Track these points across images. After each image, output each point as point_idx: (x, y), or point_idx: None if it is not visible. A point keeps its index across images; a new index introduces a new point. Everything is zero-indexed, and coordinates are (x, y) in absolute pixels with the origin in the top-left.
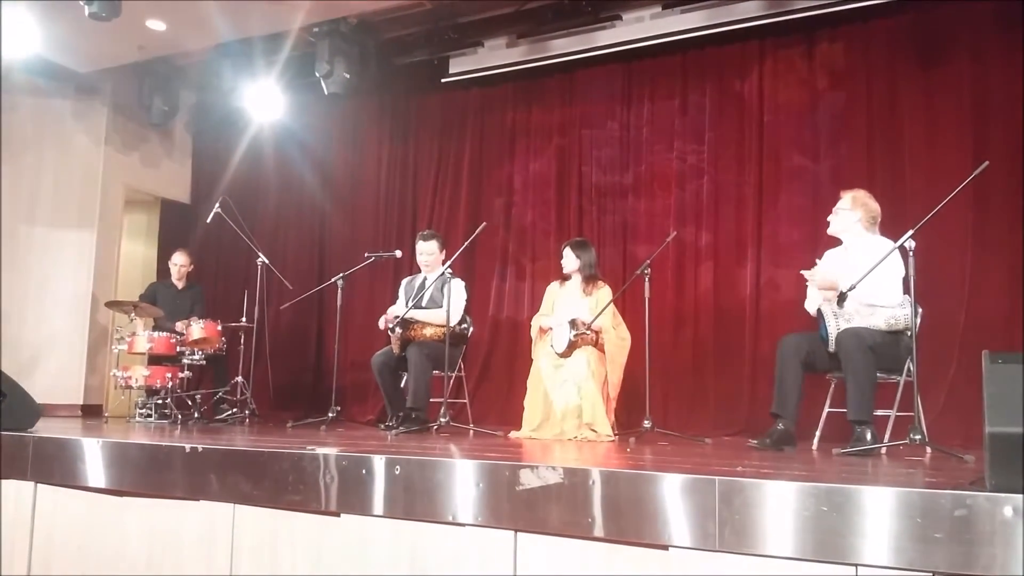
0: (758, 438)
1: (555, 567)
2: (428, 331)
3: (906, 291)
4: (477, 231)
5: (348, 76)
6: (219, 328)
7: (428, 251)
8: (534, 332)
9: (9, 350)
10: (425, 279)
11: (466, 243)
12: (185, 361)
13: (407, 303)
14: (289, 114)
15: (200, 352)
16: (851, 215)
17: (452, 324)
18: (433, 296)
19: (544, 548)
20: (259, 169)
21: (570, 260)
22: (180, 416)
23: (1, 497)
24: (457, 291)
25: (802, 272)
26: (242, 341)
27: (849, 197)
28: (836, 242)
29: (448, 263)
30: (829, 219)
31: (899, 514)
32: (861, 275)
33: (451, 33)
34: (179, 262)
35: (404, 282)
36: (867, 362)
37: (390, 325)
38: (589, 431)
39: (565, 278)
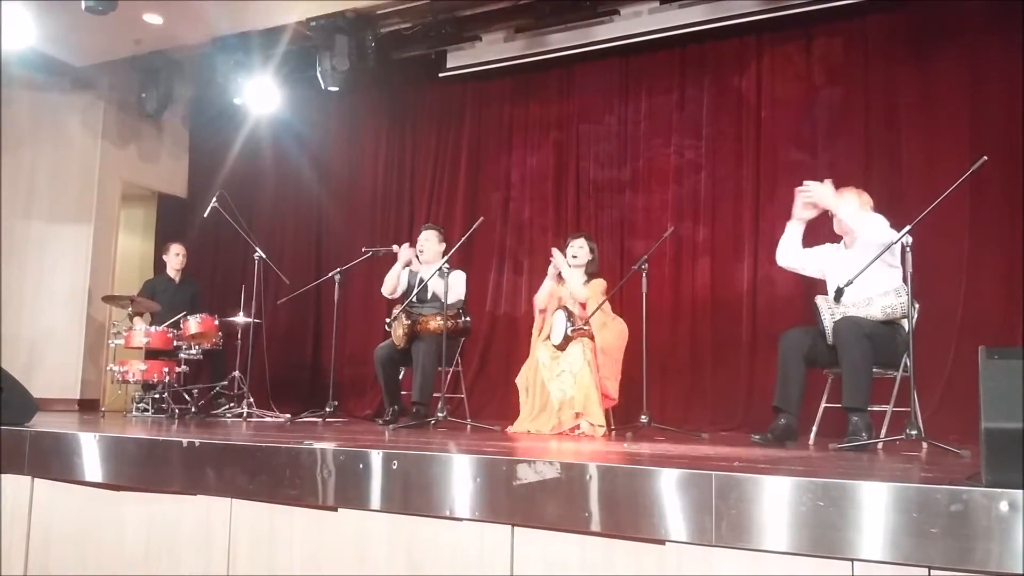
0: (760, 433)
1: (552, 561)
2: (433, 324)
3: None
4: (474, 226)
5: (345, 70)
6: (216, 323)
7: (425, 238)
8: (536, 328)
9: (6, 344)
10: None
11: (463, 237)
12: (182, 356)
13: (407, 293)
14: (286, 108)
15: (197, 347)
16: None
17: (451, 302)
18: (435, 290)
19: (541, 542)
20: (256, 164)
21: (583, 252)
22: (177, 410)
23: None
24: (458, 278)
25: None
26: (239, 336)
27: (853, 196)
28: (831, 235)
29: (446, 257)
30: (836, 220)
31: (895, 509)
32: (857, 271)
33: (449, 27)
34: (178, 253)
35: (408, 270)
36: (863, 349)
37: (388, 320)
38: (585, 422)
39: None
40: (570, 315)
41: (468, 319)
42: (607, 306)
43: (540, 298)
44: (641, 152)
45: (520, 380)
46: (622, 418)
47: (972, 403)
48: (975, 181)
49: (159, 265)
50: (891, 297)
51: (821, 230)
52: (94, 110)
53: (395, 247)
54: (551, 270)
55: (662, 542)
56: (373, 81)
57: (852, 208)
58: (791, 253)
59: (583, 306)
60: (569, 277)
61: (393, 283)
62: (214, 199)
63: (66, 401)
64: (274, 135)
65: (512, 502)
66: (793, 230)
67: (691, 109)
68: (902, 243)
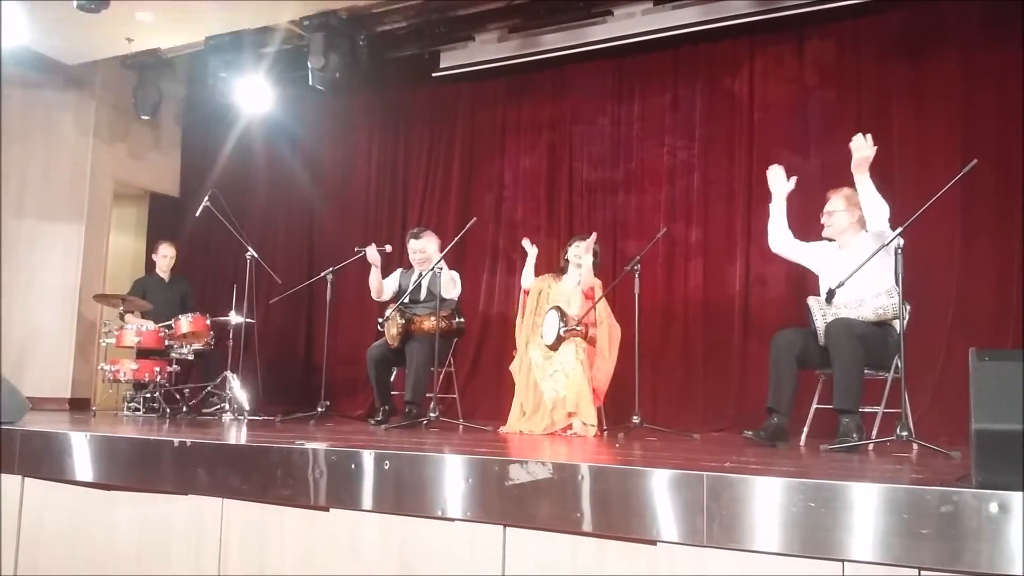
0: (752, 430)
1: (544, 562)
2: (427, 324)
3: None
4: (467, 226)
5: (338, 70)
6: (208, 322)
7: (418, 248)
8: (518, 330)
9: None
10: (420, 273)
11: (456, 238)
12: (173, 355)
13: (399, 293)
14: (279, 108)
15: (189, 346)
16: (847, 216)
17: (449, 298)
18: (430, 290)
19: (533, 543)
20: (248, 163)
21: (588, 257)
22: (168, 410)
23: None
24: (454, 277)
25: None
26: (231, 335)
27: (841, 198)
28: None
29: (439, 258)
30: (825, 222)
31: (886, 510)
32: (849, 273)
33: (442, 27)
34: (167, 253)
35: (399, 271)
36: (855, 350)
37: (380, 320)
38: (578, 422)
39: (559, 273)
40: (563, 315)
41: (462, 319)
42: (604, 307)
43: (526, 278)
44: (634, 153)
45: (516, 378)
46: (614, 418)
47: (963, 404)
48: (967, 183)
49: (150, 264)
50: (883, 298)
51: (815, 229)
52: (86, 108)
53: (388, 248)
54: (531, 255)
55: (654, 542)
56: (366, 81)
57: (872, 188)
58: (782, 237)
59: (587, 295)
60: (586, 265)
61: (376, 287)
62: (206, 198)
63: (57, 400)
64: (267, 134)
65: (504, 502)
66: (777, 210)
67: (684, 110)
68: (894, 244)
